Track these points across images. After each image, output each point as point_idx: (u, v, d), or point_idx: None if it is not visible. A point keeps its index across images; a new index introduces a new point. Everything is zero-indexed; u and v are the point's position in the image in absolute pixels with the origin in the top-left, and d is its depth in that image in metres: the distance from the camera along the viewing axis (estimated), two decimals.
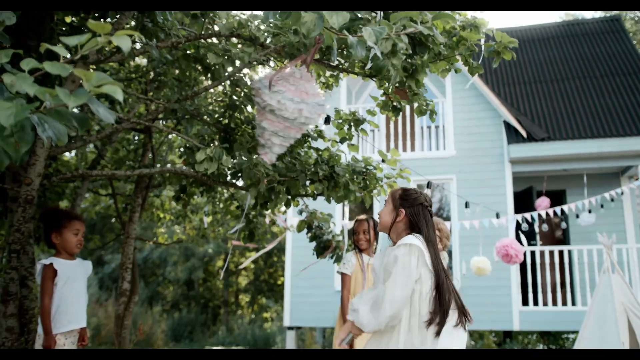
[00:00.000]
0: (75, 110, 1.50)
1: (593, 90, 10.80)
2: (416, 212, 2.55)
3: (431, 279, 2.42)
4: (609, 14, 24.96)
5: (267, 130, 2.43)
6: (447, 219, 9.91)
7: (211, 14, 3.40)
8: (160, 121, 4.68)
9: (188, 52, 3.88)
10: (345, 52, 3.25)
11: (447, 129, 10.32)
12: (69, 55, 1.39)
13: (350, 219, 9.47)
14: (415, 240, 2.45)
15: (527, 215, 7.76)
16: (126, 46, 1.10)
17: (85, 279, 3.28)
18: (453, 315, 2.45)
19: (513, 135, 9.79)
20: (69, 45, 1.11)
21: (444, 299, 2.38)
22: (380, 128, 10.47)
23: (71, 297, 3.11)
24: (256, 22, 3.43)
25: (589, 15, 30.38)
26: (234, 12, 3.53)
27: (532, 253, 9.54)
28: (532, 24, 13.64)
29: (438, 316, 2.36)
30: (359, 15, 2.28)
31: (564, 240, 10.48)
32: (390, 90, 3.64)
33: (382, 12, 2.55)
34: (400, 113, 4.13)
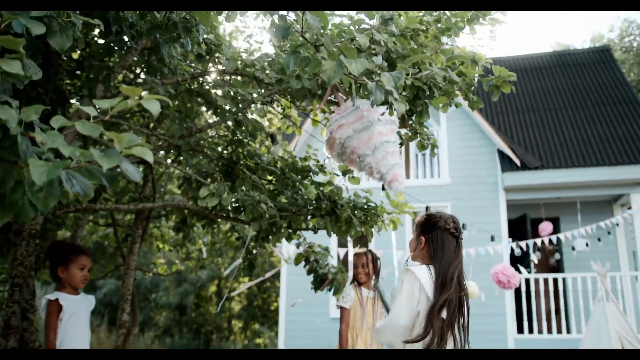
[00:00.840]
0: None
1: (585, 120, 10.98)
2: (434, 237, 2.41)
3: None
4: (598, 43, 25.45)
5: (384, 145, 2.35)
6: None
7: (216, 54, 3.47)
8: (161, 152, 4.73)
9: (191, 86, 3.94)
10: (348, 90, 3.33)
11: (442, 157, 10.44)
12: (75, 99, 1.45)
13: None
14: (420, 271, 2.32)
15: (523, 243, 7.82)
16: (155, 110, 1.15)
17: (88, 314, 3.28)
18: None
19: (507, 164, 9.91)
20: (102, 107, 1.17)
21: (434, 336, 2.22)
22: None
23: (75, 332, 3.10)
24: (258, 64, 3.48)
25: (579, 45, 31.06)
26: (238, 52, 3.60)
27: (527, 280, 9.58)
28: (524, 54, 13.90)
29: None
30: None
31: (558, 267, 10.54)
32: None
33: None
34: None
